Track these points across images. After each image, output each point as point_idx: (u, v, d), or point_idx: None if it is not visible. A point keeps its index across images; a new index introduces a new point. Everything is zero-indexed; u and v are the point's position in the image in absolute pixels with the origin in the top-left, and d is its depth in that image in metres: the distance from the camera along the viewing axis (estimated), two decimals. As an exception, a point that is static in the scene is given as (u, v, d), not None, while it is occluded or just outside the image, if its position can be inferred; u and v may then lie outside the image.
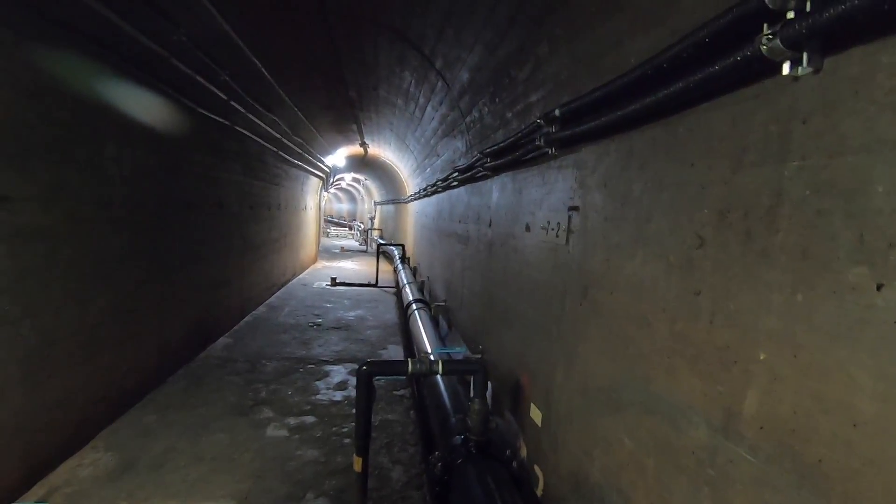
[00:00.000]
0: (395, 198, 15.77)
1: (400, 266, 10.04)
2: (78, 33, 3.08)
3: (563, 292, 2.36)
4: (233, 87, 5.24)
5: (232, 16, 4.01)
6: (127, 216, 3.87)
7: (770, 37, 1.01)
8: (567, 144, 2.32)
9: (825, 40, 0.99)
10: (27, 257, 2.78)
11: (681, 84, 1.32)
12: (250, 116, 6.12)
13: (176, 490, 3.01)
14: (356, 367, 5.42)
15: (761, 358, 1.12)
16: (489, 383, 2.92)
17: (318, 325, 7.19)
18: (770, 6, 1.02)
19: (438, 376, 3.12)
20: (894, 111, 0.86)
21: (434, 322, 5.83)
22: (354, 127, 9.74)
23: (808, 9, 0.97)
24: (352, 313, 8.05)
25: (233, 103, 5.41)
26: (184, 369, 5.09)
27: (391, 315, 8.05)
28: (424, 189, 8.79)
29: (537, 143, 2.54)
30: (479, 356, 3.54)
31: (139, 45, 3.41)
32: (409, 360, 2.45)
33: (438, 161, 7.18)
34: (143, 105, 4.00)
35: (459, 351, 2.60)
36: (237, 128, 5.94)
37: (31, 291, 2.83)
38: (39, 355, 2.92)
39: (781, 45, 1.00)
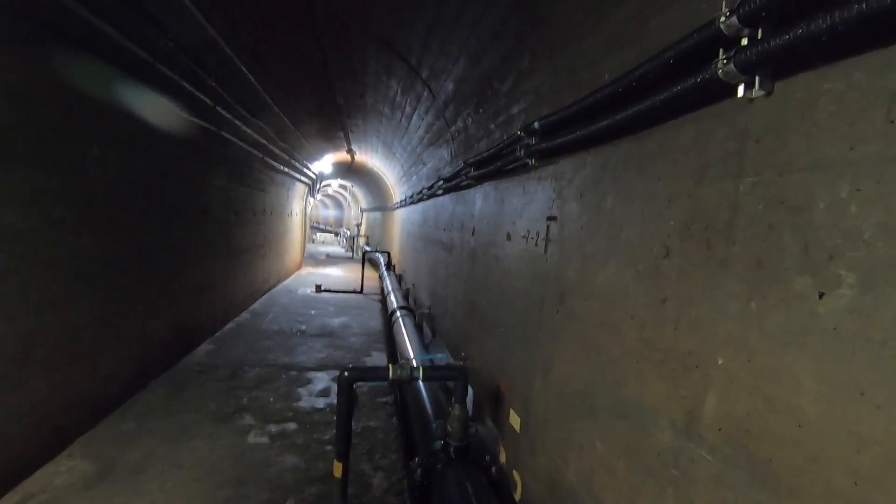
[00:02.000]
0: (381, 205, 15.80)
1: (385, 273, 10.06)
2: (62, 36, 3.08)
3: (541, 300, 2.42)
4: (219, 92, 5.26)
5: (219, 21, 4.04)
6: (110, 220, 3.85)
7: (725, 61, 1.09)
8: (546, 156, 2.39)
9: (776, 66, 1.06)
10: (5, 259, 2.76)
11: (648, 102, 1.40)
12: (236, 122, 6.12)
13: (153, 497, 2.98)
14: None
15: (719, 362, 1.18)
16: (470, 389, 2.96)
17: (302, 331, 7.16)
18: (726, 32, 1.09)
19: (420, 382, 3.15)
20: (833, 134, 0.94)
21: (418, 329, 5.86)
22: (341, 134, 9.77)
23: (759, 36, 1.04)
24: (336, 320, 8.03)
25: (219, 109, 5.41)
26: (165, 375, 5.04)
27: (376, 322, 8.05)
28: (410, 196, 8.84)
29: (518, 153, 2.61)
30: (462, 363, 3.58)
31: (125, 49, 3.42)
32: (391, 365, 2.48)
33: (424, 169, 7.25)
34: (128, 109, 4.00)
35: (442, 357, 2.64)
36: (223, 133, 5.93)
37: (9, 293, 2.80)
38: (16, 359, 2.88)
39: (735, 69, 1.08)
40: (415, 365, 2.54)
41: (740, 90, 1.11)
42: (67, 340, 3.40)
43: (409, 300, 8.44)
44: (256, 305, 8.73)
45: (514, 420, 2.63)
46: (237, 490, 3.11)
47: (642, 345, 1.50)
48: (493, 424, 3.01)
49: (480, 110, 3.74)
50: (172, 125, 4.82)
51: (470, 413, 3.10)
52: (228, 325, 7.18)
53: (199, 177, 5.73)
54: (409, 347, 4.70)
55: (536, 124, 2.31)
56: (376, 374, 2.51)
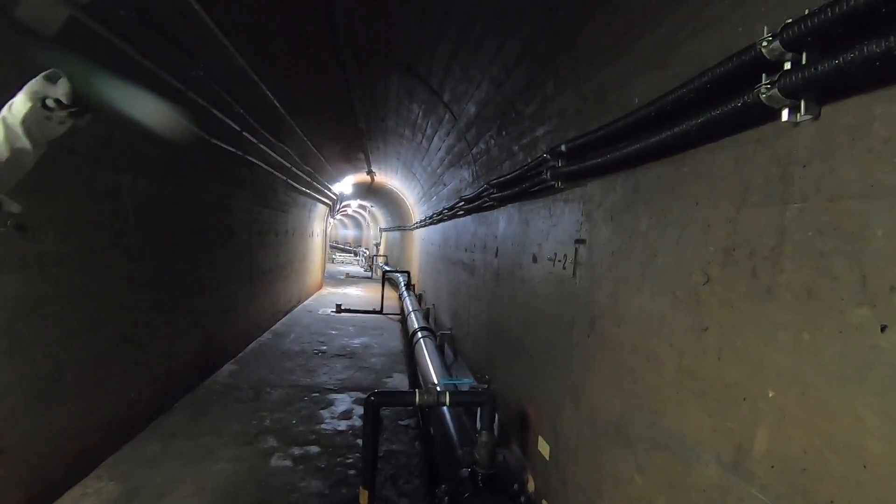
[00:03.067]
0: (400, 225, 15.91)
1: (405, 293, 10.05)
2: (101, 65, 3.20)
3: (570, 324, 2.38)
4: (246, 118, 5.40)
5: (248, 51, 4.17)
6: (139, 244, 3.94)
7: (769, 86, 1.07)
8: (573, 178, 2.38)
9: (822, 90, 1.03)
10: (42, 285, 2.84)
11: (684, 125, 1.38)
12: (262, 147, 6.27)
13: (178, 521, 2.97)
14: (361, 395, 5.41)
15: (770, 395, 1.13)
16: (496, 415, 2.91)
17: (323, 352, 7.17)
18: (768, 57, 1.08)
19: (444, 407, 3.10)
20: (890, 160, 0.90)
21: (440, 351, 5.81)
22: (362, 155, 9.93)
23: (804, 61, 1.02)
24: (357, 340, 8.03)
25: (245, 134, 5.56)
26: (189, 396, 5.07)
27: (396, 343, 8.02)
28: (430, 217, 8.88)
29: (544, 176, 2.60)
30: (486, 386, 3.52)
31: (160, 79, 3.54)
32: (417, 390, 2.45)
33: (445, 190, 7.29)
34: (158, 136, 4.12)
35: (466, 382, 2.60)
36: (249, 157, 6.08)
37: (45, 318, 2.87)
38: (49, 381, 2.94)
39: (779, 94, 1.05)
40: (441, 390, 2.50)
41: (784, 115, 1.08)
42: (97, 363, 3.45)
43: (430, 320, 8.40)
44: (278, 326, 8.79)
45: (543, 447, 2.56)
46: (261, 515, 3.09)
47: (682, 374, 1.45)
48: (521, 451, 2.94)
49: (503, 132, 3.76)
50: (200, 151, 4.95)
51: (496, 438, 3.04)
52: (251, 346, 7.24)
53: (224, 200, 5.86)
54: (432, 370, 4.65)
55: (563, 147, 2.31)
56: (403, 399, 2.49)
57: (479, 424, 2.52)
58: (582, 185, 2.35)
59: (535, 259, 2.99)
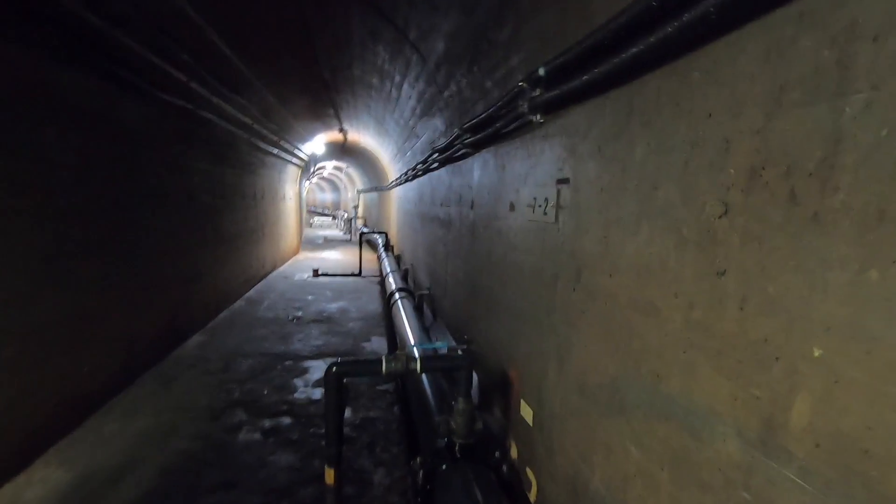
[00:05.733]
0: (377, 185, 15.40)
1: (383, 254, 9.74)
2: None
3: (553, 277, 2.10)
4: (194, 67, 4.85)
5: (182, -16, 3.64)
6: (81, 209, 3.52)
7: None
8: (554, 108, 2.04)
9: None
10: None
11: (700, 7, 1.05)
12: (216, 100, 5.72)
13: (133, 508, 2.73)
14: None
15: (816, 355, 0.86)
16: (475, 378, 2.67)
17: (299, 318, 6.88)
18: None
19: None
20: None
21: (418, 312, 5.57)
22: (331, 111, 9.34)
23: None
24: (334, 305, 7.75)
25: (194, 85, 5.02)
26: (154, 370, 4.77)
27: (375, 305, 7.77)
28: (405, 174, 8.46)
29: (521, 108, 2.25)
30: (464, 346, 3.28)
31: (74, 15, 3.03)
32: (383, 357, 2.18)
33: (418, 143, 6.86)
34: (85, 85, 3.61)
35: (443, 346, 2.34)
36: (202, 112, 5.54)
37: (-46, 295, 2.49)
38: (-31, 366, 2.59)
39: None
40: (413, 355, 2.23)
41: (848, -33, 0.77)
42: (38, 339, 3.10)
43: (409, 281, 8.15)
44: (251, 293, 8.44)
45: (526, 412, 2.34)
46: (227, 495, 2.86)
47: (692, 330, 1.18)
48: (502, 415, 2.73)
49: (475, 68, 3.36)
50: (145, 106, 4.44)
51: (476, 402, 2.82)
52: (221, 315, 6.91)
53: (180, 160, 5.36)
54: (409, 332, 4.41)
55: (542, 70, 1.95)
56: (368, 367, 2.21)
57: (456, 391, 2.27)
58: (564, 116, 2.02)
59: (512, 207, 2.69)
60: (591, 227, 1.74)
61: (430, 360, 2.20)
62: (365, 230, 15.08)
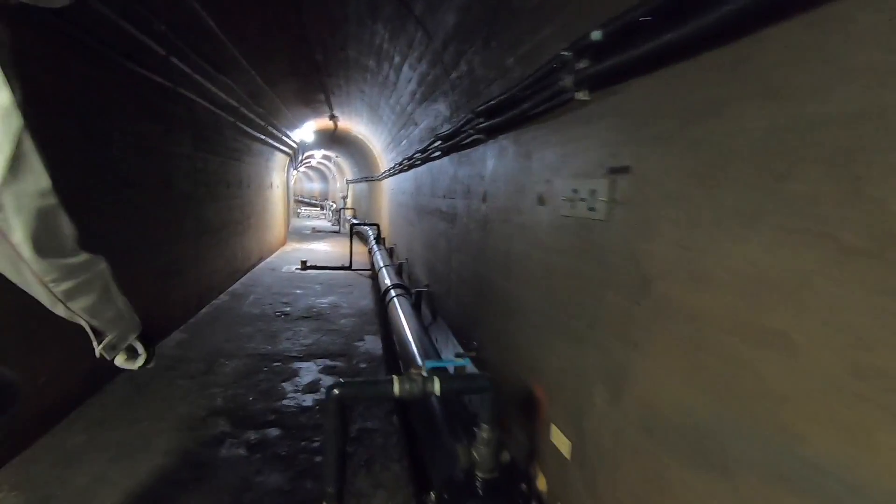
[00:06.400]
0: (368, 175, 14.93)
1: (375, 247, 9.36)
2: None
3: (600, 283, 1.76)
4: (173, 40, 4.40)
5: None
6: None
7: None
8: (608, 81, 1.69)
9: None
10: None
11: None
12: (198, 77, 5.26)
13: (95, 543, 2.35)
14: (329, 363, 4.78)
15: None
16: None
17: (287, 314, 6.49)
18: None
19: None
20: None
21: (416, 310, 5.22)
22: (322, 97, 8.89)
23: None
24: (324, 300, 7.37)
25: (173, 59, 4.57)
26: (126, 373, 4.33)
27: (367, 300, 7.39)
28: (400, 163, 8.06)
29: (560, 85, 1.90)
30: (474, 353, 2.95)
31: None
32: (395, 378, 1.83)
33: (416, 130, 6.46)
34: (43, 51, 3.16)
35: (463, 363, 1.99)
36: (182, 90, 5.08)
37: None
38: None
39: None
40: (427, 375, 1.88)
41: None
42: (-21, 345, 2.69)
43: (403, 276, 7.78)
44: (236, 286, 8.01)
45: (560, 441, 2.00)
46: (204, 528, 2.49)
47: (858, 376, 0.85)
48: (525, 438, 2.39)
49: (492, 44, 2.99)
50: (116, 80, 3.98)
51: (501, 433, 2.48)
52: (204, 310, 6.48)
53: (157, 144, 4.90)
54: (409, 334, 4.06)
55: (596, 34, 1.60)
56: (376, 389, 1.86)
57: (479, 416, 1.93)
58: (620, 91, 1.67)
59: (541, 200, 2.34)
60: (664, 227, 1.40)
61: (450, 382, 1.84)
62: (355, 221, 14.64)
